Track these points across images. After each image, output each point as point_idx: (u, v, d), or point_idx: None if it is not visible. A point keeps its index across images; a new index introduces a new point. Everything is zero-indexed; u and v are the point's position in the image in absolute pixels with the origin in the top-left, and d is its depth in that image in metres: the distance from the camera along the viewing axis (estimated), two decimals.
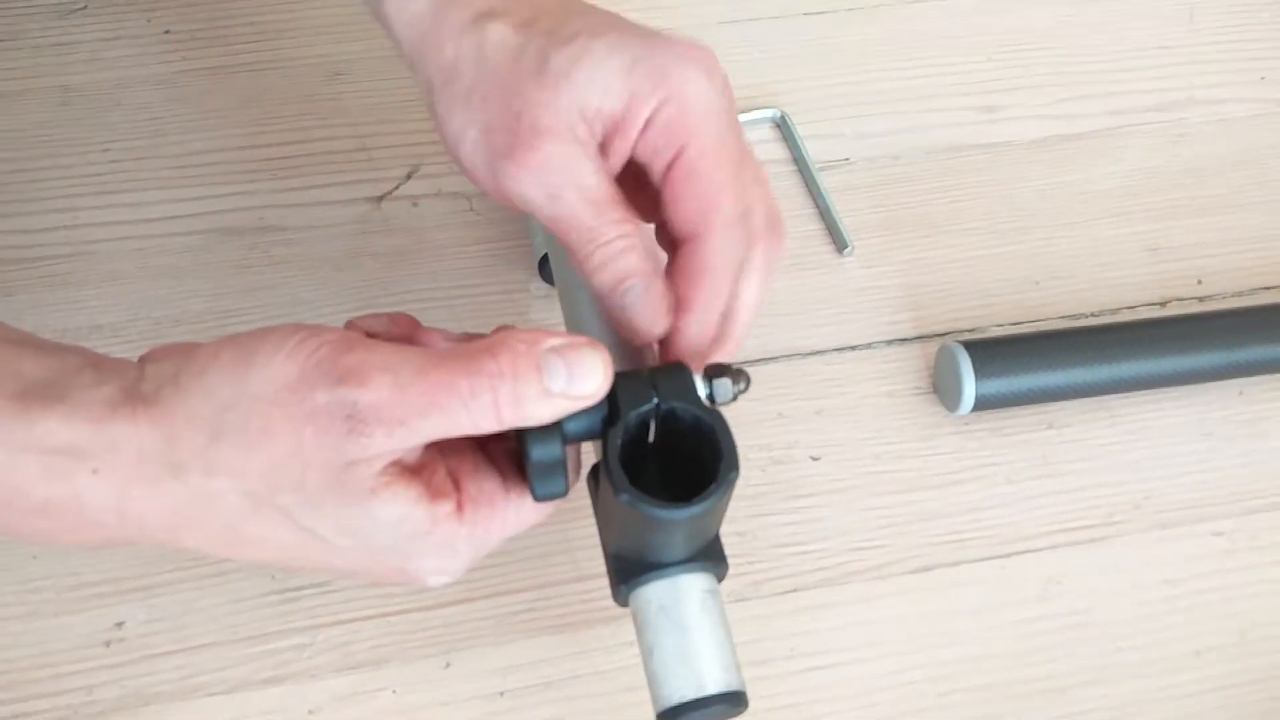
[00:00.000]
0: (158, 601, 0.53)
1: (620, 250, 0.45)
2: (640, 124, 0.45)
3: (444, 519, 0.42)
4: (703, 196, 0.45)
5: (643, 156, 0.46)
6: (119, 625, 0.53)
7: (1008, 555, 0.57)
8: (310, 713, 0.51)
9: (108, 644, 0.52)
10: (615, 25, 0.46)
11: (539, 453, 0.42)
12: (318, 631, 0.53)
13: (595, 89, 0.44)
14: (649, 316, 0.46)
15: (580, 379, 0.41)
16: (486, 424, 0.40)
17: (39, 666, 0.52)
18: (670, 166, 0.45)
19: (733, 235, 0.45)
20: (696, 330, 0.46)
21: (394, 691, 0.52)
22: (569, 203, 0.45)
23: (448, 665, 0.53)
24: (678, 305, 0.46)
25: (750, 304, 0.47)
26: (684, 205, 0.45)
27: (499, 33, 0.46)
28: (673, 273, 0.47)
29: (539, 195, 0.45)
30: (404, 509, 0.40)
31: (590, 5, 0.48)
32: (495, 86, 0.46)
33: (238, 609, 0.53)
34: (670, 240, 0.47)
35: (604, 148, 0.46)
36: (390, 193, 0.65)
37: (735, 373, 0.45)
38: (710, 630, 0.45)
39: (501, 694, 0.52)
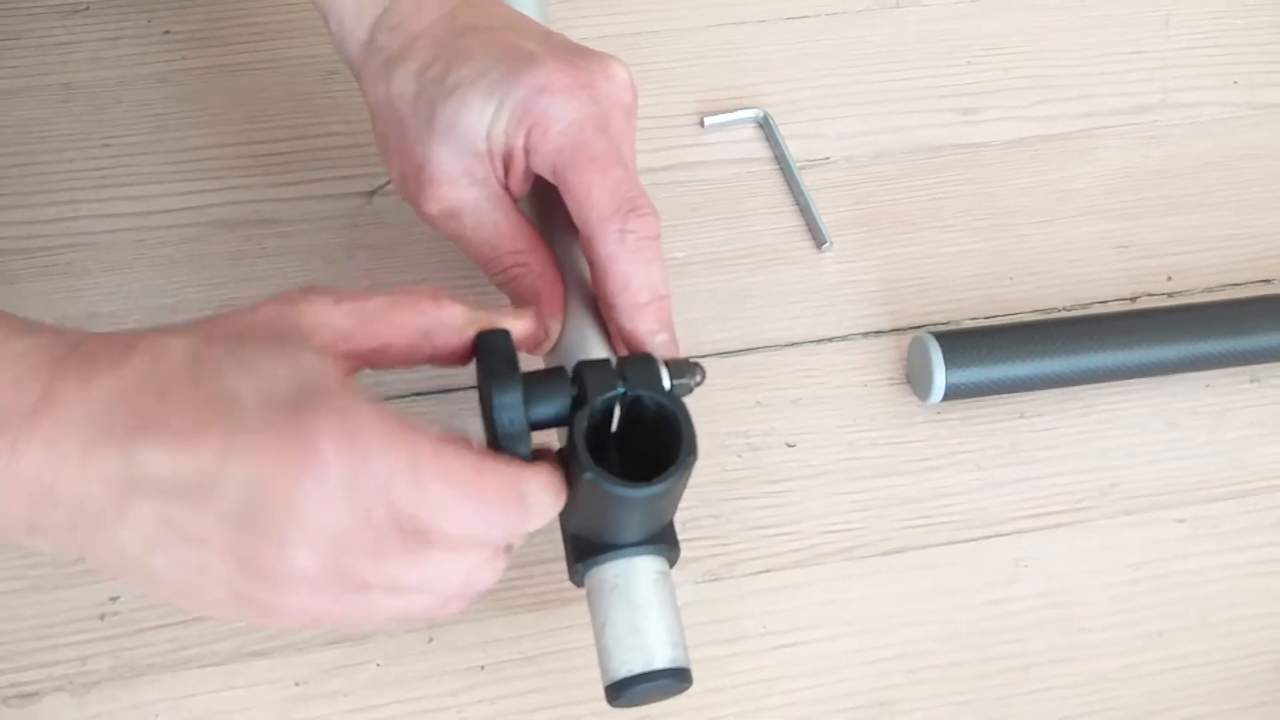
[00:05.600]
0: None
1: (514, 276, 0.52)
2: (522, 152, 0.51)
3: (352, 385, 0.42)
4: (577, 203, 0.50)
5: (541, 173, 0.51)
6: (113, 599, 0.54)
7: (976, 539, 0.59)
8: (297, 684, 0.53)
9: (102, 617, 0.54)
10: (497, 58, 0.51)
11: (503, 412, 0.44)
12: None
13: (479, 136, 0.51)
14: (542, 326, 0.51)
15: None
16: None
17: (36, 638, 0.53)
18: (555, 180, 0.51)
19: (609, 229, 0.49)
20: (621, 320, 0.50)
21: (378, 664, 0.54)
22: (468, 239, 0.53)
23: (430, 640, 0.54)
24: (599, 299, 0.51)
25: (644, 286, 0.50)
26: (572, 211, 0.50)
27: (400, 81, 0.52)
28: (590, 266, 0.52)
29: (447, 232, 0.53)
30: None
31: (485, 26, 0.53)
32: (401, 135, 0.53)
33: None
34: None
35: (508, 171, 0.52)
36: (381, 187, 0.67)
37: (691, 366, 0.49)
38: (660, 609, 0.47)
39: (482, 668, 0.54)
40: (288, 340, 0.41)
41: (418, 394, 0.61)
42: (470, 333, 0.46)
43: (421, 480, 0.40)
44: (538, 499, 0.43)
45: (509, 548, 0.45)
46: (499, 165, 0.52)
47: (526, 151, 0.51)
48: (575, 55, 0.52)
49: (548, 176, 0.51)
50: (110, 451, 0.39)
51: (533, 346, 0.51)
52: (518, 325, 0.47)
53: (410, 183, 0.53)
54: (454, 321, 0.45)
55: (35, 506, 0.40)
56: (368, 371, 0.46)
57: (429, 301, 0.45)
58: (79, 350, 0.41)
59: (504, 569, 0.45)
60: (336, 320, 0.43)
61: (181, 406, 0.40)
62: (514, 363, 0.45)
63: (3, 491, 0.40)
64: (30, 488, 0.39)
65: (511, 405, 0.44)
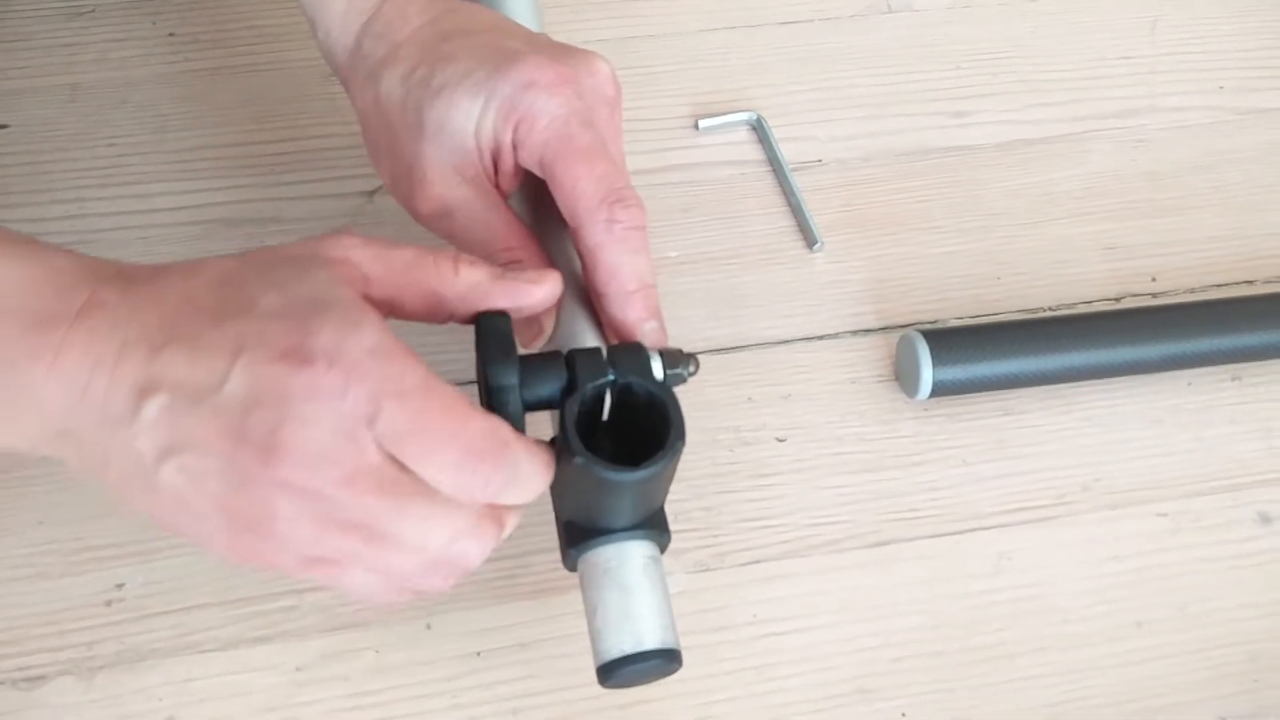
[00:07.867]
0: (156, 564, 0.56)
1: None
2: (510, 148, 0.52)
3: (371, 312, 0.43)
4: (565, 195, 0.51)
5: (529, 167, 0.52)
6: (119, 586, 0.56)
7: (961, 532, 0.60)
8: (298, 669, 0.54)
9: (108, 603, 0.55)
10: (482, 58, 0.52)
11: (500, 393, 0.46)
12: (304, 595, 0.56)
13: (467, 134, 0.52)
14: (530, 320, 0.52)
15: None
16: None
17: (44, 624, 0.55)
18: (543, 173, 0.52)
19: (596, 220, 0.50)
20: (610, 309, 0.51)
21: (376, 651, 0.55)
22: (461, 238, 0.53)
23: (428, 627, 0.56)
24: (589, 289, 0.52)
25: (631, 274, 0.51)
26: (560, 203, 0.51)
27: (387, 86, 0.54)
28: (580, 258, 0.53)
29: (440, 232, 0.54)
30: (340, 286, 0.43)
31: (468, 30, 0.54)
32: (391, 139, 0.54)
33: (230, 573, 0.56)
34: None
35: (497, 168, 0.53)
36: (381, 187, 0.68)
37: (686, 357, 0.50)
38: (650, 592, 0.48)
39: (478, 654, 0.55)
40: (311, 263, 0.44)
41: None
42: (486, 302, 0.47)
43: (408, 410, 0.41)
44: (525, 462, 0.44)
45: (498, 523, 0.45)
46: (488, 162, 0.53)
47: (514, 146, 0.52)
48: (559, 52, 0.53)
49: (535, 170, 0.52)
50: (141, 353, 0.41)
51: (529, 340, 0.53)
52: (539, 290, 0.48)
53: (401, 185, 0.55)
54: (472, 288, 0.46)
55: (70, 407, 0.42)
56: None
57: (449, 267, 0.46)
58: (120, 271, 0.44)
59: (491, 546, 0.45)
60: (361, 259, 0.45)
61: (204, 312, 0.42)
62: (511, 345, 0.46)
63: (45, 389, 0.42)
64: (69, 388, 0.42)
65: (508, 386, 0.45)
